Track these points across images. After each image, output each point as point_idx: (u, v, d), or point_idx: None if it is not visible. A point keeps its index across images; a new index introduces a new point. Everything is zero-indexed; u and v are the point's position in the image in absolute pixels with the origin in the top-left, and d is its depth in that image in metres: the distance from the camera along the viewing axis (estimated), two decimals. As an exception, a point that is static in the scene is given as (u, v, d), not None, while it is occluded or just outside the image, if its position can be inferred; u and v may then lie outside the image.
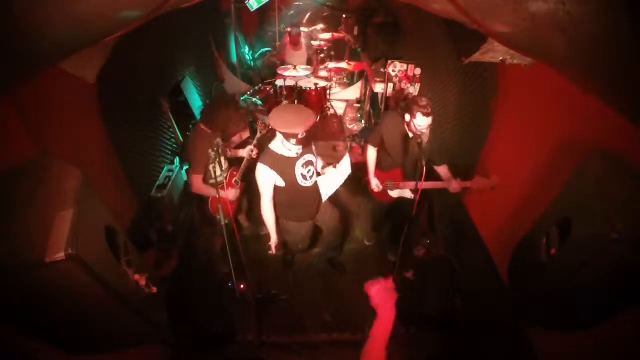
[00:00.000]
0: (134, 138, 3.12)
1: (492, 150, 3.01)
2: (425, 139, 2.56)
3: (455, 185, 2.59)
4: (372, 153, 2.77)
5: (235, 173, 2.90)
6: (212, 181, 2.66)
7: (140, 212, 3.00)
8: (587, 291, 1.55)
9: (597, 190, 1.49)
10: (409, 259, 3.15)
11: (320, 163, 2.55)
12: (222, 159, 2.68)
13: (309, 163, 2.44)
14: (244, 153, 2.91)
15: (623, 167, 1.51)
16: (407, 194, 2.77)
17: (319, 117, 4.68)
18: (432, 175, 2.65)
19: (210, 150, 2.41)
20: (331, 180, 2.55)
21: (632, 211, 1.33)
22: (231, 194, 2.70)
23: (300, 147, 2.32)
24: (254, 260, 3.06)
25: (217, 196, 2.60)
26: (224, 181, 2.49)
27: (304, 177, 2.42)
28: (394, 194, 2.80)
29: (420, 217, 3.62)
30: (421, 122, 2.39)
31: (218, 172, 2.65)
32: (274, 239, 2.55)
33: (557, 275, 1.61)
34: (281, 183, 2.36)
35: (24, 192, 1.42)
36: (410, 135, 2.57)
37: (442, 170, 2.70)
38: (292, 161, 2.36)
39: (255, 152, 2.83)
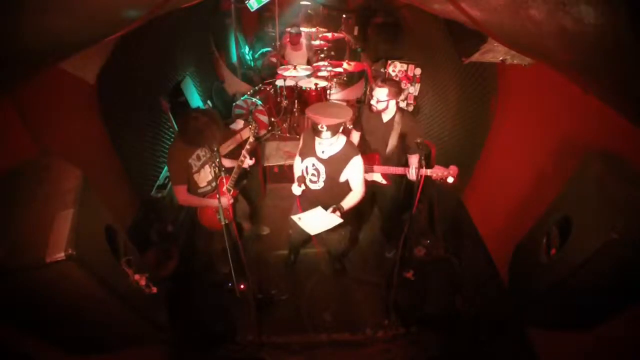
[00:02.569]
0: (134, 138, 3.11)
1: (492, 149, 3.01)
2: (390, 113, 2.73)
3: (414, 172, 2.60)
4: (354, 136, 3.01)
5: (225, 181, 2.67)
6: (202, 189, 2.60)
7: (140, 212, 3.00)
8: (587, 291, 1.55)
9: (597, 190, 1.49)
10: (409, 259, 3.16)
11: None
12: (211, 167, 2.54)
13: (315, 167, 2.44)
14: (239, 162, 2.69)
15: (623, 167, 1.52)
16: (379, 177, 2.84)
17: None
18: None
19: (189, 160, 2.42)
20: (316, 221, 2.40)
21: (632, 211, 1.33)
22: (223, 201, 2.49)
23: (323, 143, 2.29)
24: (254, 260, 3.06)
25: (206, 205, 2.58)
26: (216, 189, 2.31)
27: (306, 170, 2.48)
28: (368, 176, 2.84)
29: (420, 217, 3.62)
30: (377, 94, 2.62)
31: (209, 178, 2.62)
32: None
33: (557, 275, 1.61)
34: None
35: (24, 192, 1.42)
36: (384, 120, 2.76)
37: (413, 159, 2.78)
38: (311, 151, 2.43)
39: (247, 158, 2.67)
